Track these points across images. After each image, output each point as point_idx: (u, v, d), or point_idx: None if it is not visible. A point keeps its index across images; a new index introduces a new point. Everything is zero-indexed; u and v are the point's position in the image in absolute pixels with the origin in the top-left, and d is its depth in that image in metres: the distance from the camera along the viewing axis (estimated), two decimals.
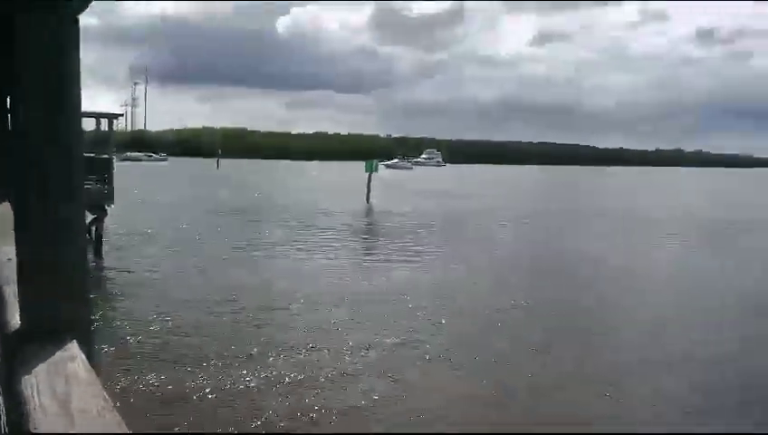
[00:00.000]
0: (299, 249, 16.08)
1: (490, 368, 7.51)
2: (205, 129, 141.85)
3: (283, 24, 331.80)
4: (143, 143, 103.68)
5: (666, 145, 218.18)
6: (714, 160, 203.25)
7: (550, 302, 11.15)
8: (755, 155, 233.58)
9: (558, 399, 6.68)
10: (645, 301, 11.64)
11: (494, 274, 13.91)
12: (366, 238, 19.73)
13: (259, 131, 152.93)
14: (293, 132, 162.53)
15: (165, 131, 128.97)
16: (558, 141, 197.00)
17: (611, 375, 7.40)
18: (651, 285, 13.24)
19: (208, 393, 6.37)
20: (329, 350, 7.85)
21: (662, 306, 11.14)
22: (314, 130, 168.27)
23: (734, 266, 15.67)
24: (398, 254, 15.85)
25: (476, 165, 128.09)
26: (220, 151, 74.28)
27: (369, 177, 33.59)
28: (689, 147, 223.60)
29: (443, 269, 14.05)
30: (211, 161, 75.37)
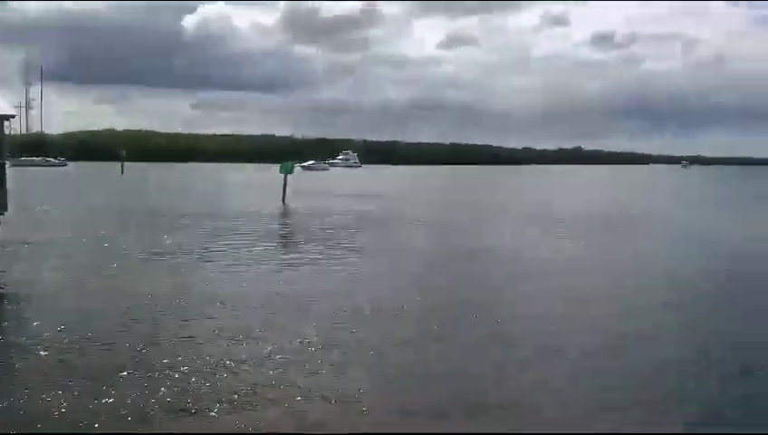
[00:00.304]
0: (212, 253, 15.55)
1: (398, 373, 7.56)
2: (107, 131, 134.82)
3: (190, 22, 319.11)
4: (40, 147, 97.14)
5: (567, 144, 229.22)
6: (611, 159, 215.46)
7: (461, 303, 11.34)
8: (648, 153, 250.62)
9: (470, 401, 6.79)
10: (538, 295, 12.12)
11: (406, 274, 14.03)
12: (282, 240, 19.40)
13: (166, 133, 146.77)
14: (203, 134, 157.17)
15: (64, 134, 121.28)
16: (469, 142, 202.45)
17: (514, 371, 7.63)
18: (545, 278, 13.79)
19: (119, 410, 6.00)
20: (241, 358, 7.59)
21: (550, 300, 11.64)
22: (225, 132, 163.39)
23: (621, 257, 16.67)
24: (313, 255, 15.66)
25: (392, 166, 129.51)
26: (124, 154, 70.52)
27: (285, 178, 33.17)
28: (588, 145, 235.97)
29: (358, 270, 14.02)
30: (114, 165, 71.81)
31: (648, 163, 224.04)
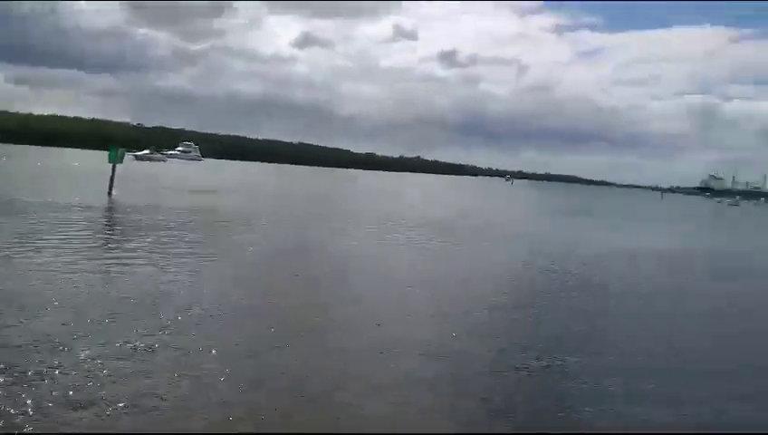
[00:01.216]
0: (21, 248, 13.86)
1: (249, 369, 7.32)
2: None
3: None
4: None
5: (408, 153, 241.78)
6: (447, 169, 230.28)
7: (297, 307, 11.30)
8: (479, 166, 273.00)
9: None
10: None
11: (241, 272, 13.66)
12: (103, 236, 17.73)
13: None
14: (23, 112, 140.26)
15: None
16: (316, 143, 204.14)
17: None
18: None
19: None
20: (62, 357, 6.87)
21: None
22: (51, 112, 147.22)
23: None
24: (137, 253, 14.60)
25: (236, 161, 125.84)
26: None
27: (114, 167, 30.68)
28: (428, 156, 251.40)
29: (188, 269, 13.33)
30: None
31: (477, 175, 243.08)
